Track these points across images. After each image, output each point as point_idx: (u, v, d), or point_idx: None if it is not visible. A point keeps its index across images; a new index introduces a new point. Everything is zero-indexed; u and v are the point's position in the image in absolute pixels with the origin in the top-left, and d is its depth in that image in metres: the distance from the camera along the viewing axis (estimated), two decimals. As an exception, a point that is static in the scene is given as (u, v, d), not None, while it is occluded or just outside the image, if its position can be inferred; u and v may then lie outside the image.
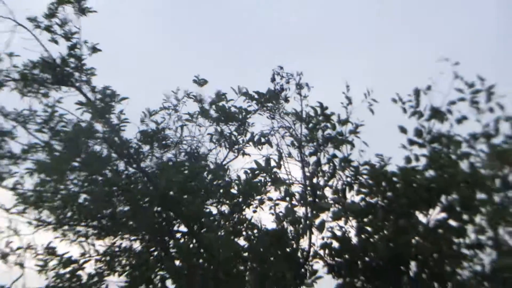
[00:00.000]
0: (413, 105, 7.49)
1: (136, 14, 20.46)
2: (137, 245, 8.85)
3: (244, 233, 7.94)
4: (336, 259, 7.51)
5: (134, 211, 8.55)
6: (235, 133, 9.12)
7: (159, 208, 8.60)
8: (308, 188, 7.95)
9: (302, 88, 8.64)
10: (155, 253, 8.73)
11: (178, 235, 8.61)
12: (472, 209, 6.99)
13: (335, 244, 7.53)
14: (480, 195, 7.01)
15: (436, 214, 7.18)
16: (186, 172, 8.57)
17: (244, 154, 9.11)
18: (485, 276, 6.94)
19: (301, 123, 8.43)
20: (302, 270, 7.70)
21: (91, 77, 8.68)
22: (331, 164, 7.95)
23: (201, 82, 9.22)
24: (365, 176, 7.58)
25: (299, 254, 7.77)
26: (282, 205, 7.86)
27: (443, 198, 7.14)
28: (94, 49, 8.58)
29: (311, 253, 7.73)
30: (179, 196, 8.34)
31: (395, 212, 7.19)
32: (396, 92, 7.52)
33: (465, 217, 7.03)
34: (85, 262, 8.75)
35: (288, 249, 7.72)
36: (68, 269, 8.60)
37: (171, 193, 8.26)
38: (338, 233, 7.54)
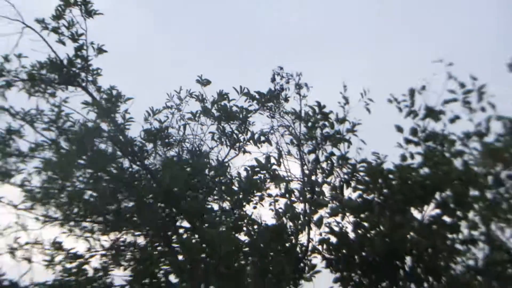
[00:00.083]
0: (408, 104, 7.58)
1: (140, 16, 20.54)
2: (141, 240, 8.94)
3: (244, 228, 7.93)
4: (334, 253, 7.60)
5: (138, 207, 8.61)
6: (236, 131, 9.11)
7: (162, 204, 8.64)
8: (307, 185, 8.03)
9: (301, 88, 8.71)
10: (159, 248, 8.78)
11: (181, 230, 8.65)
12: (466, 206, 7.10)
13: (333, 239, 7.62)
14: (473, 192, 7.12)
15: (430, 210, 7.30)
16: (188, 169, 8.63)
17: (244, 152, 9.09)
18: (478, 270, 7.06)
19: (300, 122, 8.48)
20: (301, 264, 7.78)
21: (97, 77, 8.77)
22: (329, 161, 8.06)
23: (204, 82, 9.21)
24: (362, 174, 7.71)
25: (298, 249, 7.83)
26: (282, 202, 7.92)
27: (437, 195, 7.26)
28: (100, 50, 8.66)
29: (310, 248, 7.81)
30: (182, 193, 8.41)
31: (391, 208, 7.29)
32: (392, 92, 7.63)
33: (458, 213, 7.15)
34: (91, 256, 8.87)
35: (287, 244, 7.79)
36: (74, 263, 8.72)
37: (174, 189, 8.30)
38: (336, 228, 7.61)
